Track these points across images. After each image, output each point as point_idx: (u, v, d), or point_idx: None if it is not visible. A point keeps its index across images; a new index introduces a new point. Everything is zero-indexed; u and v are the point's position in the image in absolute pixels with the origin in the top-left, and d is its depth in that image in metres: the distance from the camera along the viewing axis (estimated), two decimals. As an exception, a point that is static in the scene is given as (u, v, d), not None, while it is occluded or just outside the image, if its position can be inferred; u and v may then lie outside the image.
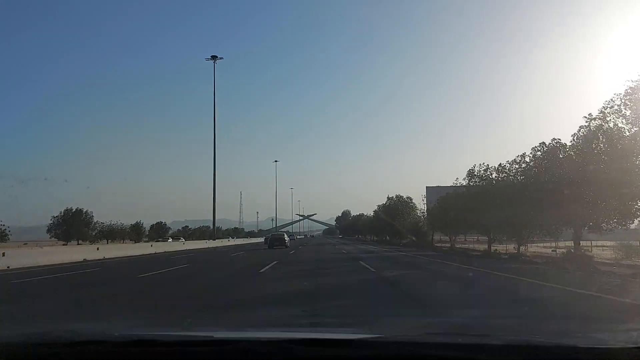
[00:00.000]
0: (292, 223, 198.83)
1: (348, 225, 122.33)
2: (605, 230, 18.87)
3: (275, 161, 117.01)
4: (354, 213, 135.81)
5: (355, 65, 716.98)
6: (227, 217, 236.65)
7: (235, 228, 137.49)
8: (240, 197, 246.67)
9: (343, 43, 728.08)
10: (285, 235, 42.10)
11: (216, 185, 57.10)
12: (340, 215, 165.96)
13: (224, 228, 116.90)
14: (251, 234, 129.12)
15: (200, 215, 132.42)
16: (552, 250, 24.92)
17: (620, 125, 17.63)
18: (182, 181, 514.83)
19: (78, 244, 52.40)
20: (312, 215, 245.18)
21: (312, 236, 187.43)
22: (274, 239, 39.21)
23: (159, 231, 79.64)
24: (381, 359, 1.05)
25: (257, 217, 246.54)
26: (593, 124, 18.61)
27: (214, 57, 56.54)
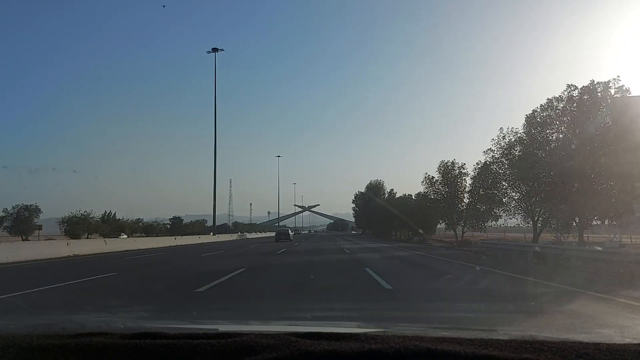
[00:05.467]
0: (279, 219, 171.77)
1: (381, 210, 59.76)
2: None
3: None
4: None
5: (360, 60, 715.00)
6: (226, 211, 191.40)
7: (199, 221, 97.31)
8: (230, 186, 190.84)
9: (349, 37, 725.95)
10: (290, 231, 55.50)
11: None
12: (363, 191, 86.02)
13: (219, 222, 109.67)
14: (220, 229, 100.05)
15: (199, 210, 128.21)
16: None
17: None
18: (181, 176, 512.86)
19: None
20: (314, 206, 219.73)
21: (316, 231, 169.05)
22: (280, 233, 49.14)
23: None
24: (386, 352, 1.04)
25: (250, 210, 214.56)
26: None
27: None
